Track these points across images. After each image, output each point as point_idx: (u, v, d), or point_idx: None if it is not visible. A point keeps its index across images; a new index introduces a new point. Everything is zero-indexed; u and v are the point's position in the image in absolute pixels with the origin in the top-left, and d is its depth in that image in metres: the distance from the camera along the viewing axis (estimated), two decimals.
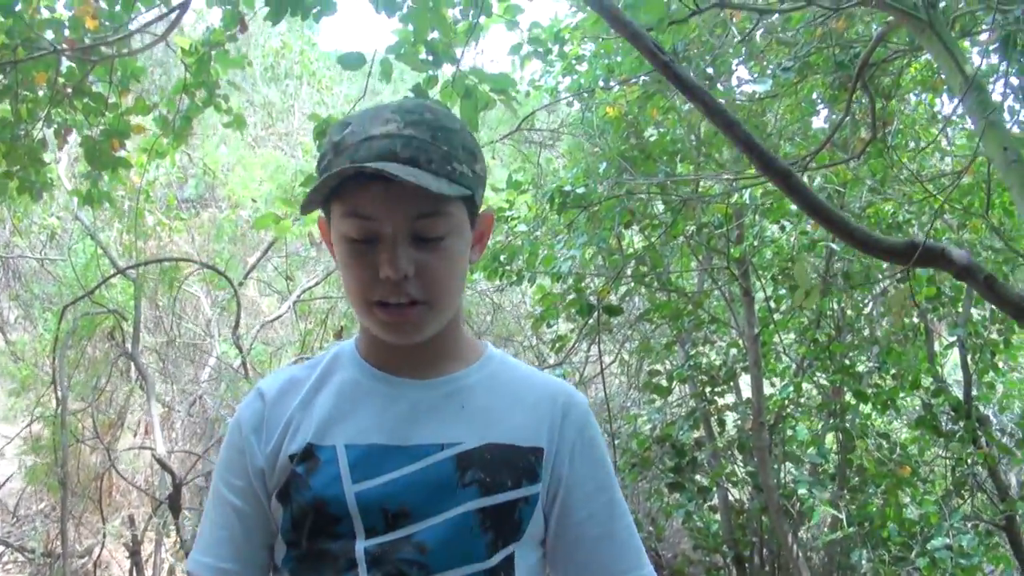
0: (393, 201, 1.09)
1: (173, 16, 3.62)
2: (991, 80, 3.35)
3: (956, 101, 2.84)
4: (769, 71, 4.24)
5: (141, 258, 6.27)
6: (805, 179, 4.39)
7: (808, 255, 4.75)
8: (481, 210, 1.22)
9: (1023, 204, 2.25)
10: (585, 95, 4.75)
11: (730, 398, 4.88)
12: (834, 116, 4.51)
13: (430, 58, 3.21)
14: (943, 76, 4.33)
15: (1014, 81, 3.11)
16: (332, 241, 1.19)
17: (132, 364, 6.30)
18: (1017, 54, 2.82)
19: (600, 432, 1.28)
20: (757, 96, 4.28)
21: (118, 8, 3.62)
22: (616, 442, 4.86)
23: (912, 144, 4.87)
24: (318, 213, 1.20)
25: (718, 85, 4.52)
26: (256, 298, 7.39)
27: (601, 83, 4.66)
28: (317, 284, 6.99)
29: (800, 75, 4.03)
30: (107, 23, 3.61)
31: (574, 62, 4.98)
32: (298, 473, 1.16)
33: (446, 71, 3.28)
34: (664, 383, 4.71)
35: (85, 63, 3.71)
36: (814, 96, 4.53)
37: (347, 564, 1.13)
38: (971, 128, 4.99)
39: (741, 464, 4.79)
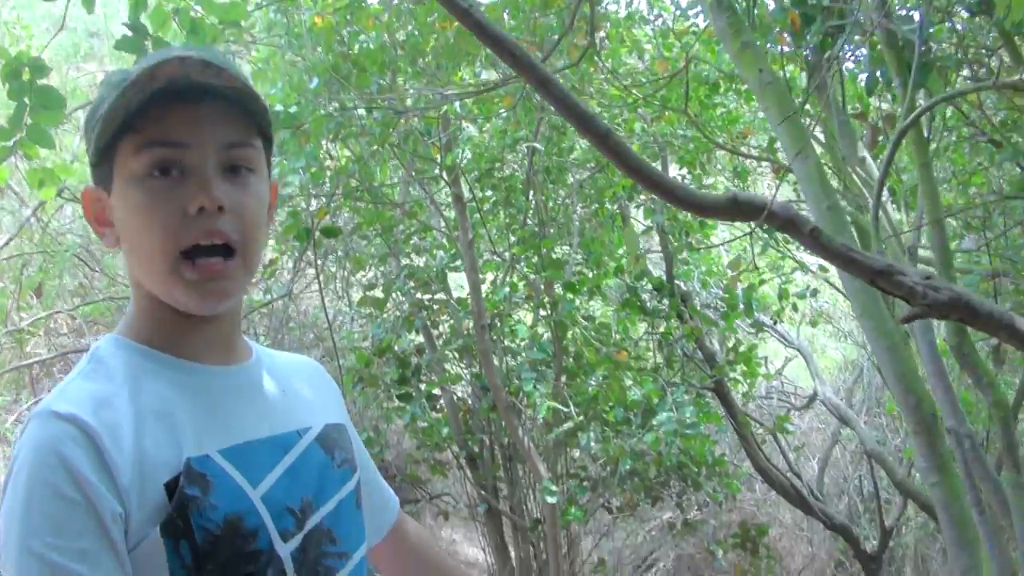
0: (205, 123, 1.01)
1: None
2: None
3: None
4: None
5: None
6: None
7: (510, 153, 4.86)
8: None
9: (776, 121, 2.35)
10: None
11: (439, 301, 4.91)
12: (545, 19, 4.56)
13: None
14: None
15: None
16: (116, 198, 1.03)
17: None
18: None
19: None
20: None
21: None
22: (341, 362, 4.81)
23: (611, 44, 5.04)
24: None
25: None
26: None
27: None
28: (10, 240, 6.26)
29: None
30: None
31: None
32: (192, 496, 0.95)
33: None
34: (380, 295, 4.68)
35: None
36: None
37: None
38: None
39: (464, 366, 4.87)
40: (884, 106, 4.35)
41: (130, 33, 2.41)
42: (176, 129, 1.00)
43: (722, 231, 5.56)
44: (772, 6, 3.01)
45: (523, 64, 1.26)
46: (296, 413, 1.14)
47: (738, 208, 1.42)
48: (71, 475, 0.90)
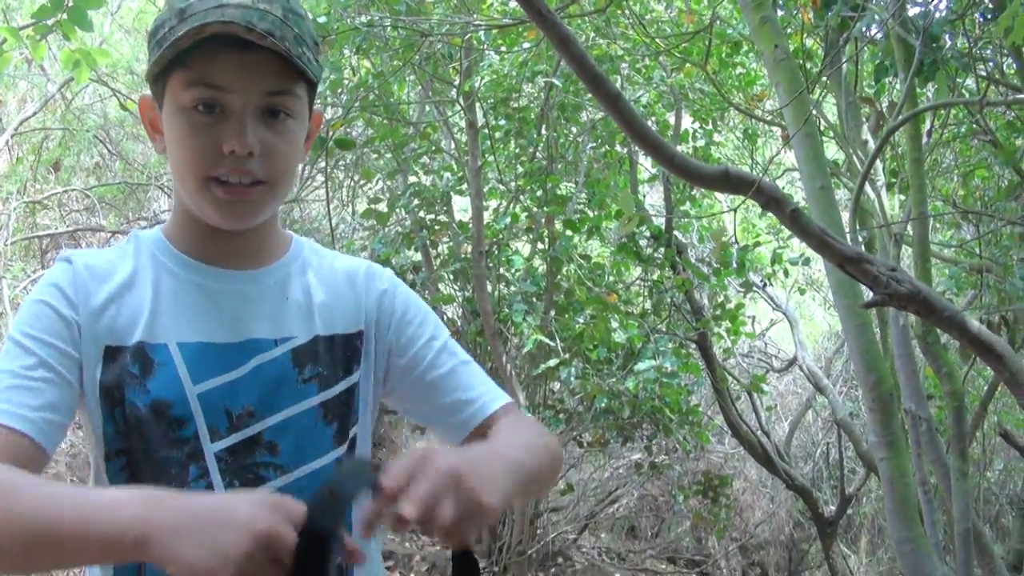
0: (248, 72, 1.06)
1: None
2: None
3: None
4: None
5: None
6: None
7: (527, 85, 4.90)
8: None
9: (785, 96, 2.41)
10: None
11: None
12: None
13: None
14: None
15: None
16: (165, 116, 1.11)
17: None
18: None
19: (411, 290, 1.31)
20: None
21: None
22: None
23: None
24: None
25: None
26: None
27: None
28: (35, 114, 6.31)
29: None
30: None
31: None
32: (133, 373, 1.07)
33: None
34: (384, 210, 4.77)
35: None
36: None
37: (197, 472, 1.08)
38: None
39: (457, 289, 4.98)
40: (898, 86, 4.38)
41: None
42: (222, 73, 1.06)
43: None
44: None
45: (547, 21, 1.32)
46: (288, 321, 1.17)
47: (729, 182, 1.50)
48: (56, 290, 1.09)
